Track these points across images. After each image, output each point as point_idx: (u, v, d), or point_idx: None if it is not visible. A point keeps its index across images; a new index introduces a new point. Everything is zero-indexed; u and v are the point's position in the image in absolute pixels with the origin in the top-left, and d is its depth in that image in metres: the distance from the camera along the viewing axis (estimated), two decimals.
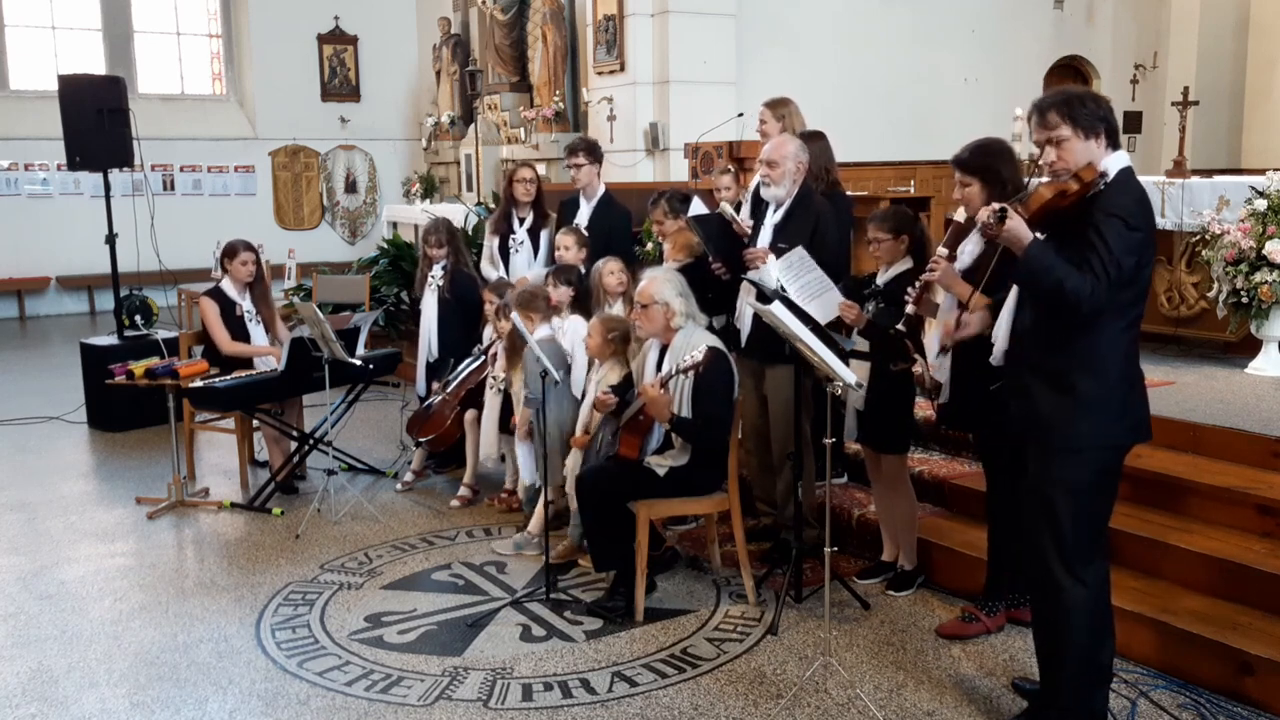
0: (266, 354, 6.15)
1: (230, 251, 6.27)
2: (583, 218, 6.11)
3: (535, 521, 5.12)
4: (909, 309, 3.79)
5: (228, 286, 6.28)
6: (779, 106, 5.43)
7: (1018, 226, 3.00)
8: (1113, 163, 3.07)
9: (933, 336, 4.02)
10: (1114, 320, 3.06)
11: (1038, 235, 3.05)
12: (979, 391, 3.66)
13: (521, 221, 6.35)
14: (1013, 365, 3.34)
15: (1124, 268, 2.96)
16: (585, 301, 5.45)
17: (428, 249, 6.27)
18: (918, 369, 4.28)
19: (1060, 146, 3.07)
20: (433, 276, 6.23)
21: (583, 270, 5.88)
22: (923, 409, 5.36)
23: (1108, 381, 3.08)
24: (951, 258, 3.68)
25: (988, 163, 3.69)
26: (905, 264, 4.35)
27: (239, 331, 6.21)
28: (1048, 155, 3.10)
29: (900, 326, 3.84)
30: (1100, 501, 3.21)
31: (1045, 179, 3.13)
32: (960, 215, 3.77)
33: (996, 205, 3.04)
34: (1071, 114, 3.05)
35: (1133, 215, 2.99)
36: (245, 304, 6.26)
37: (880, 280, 4.41)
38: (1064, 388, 3.11)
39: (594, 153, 6.15)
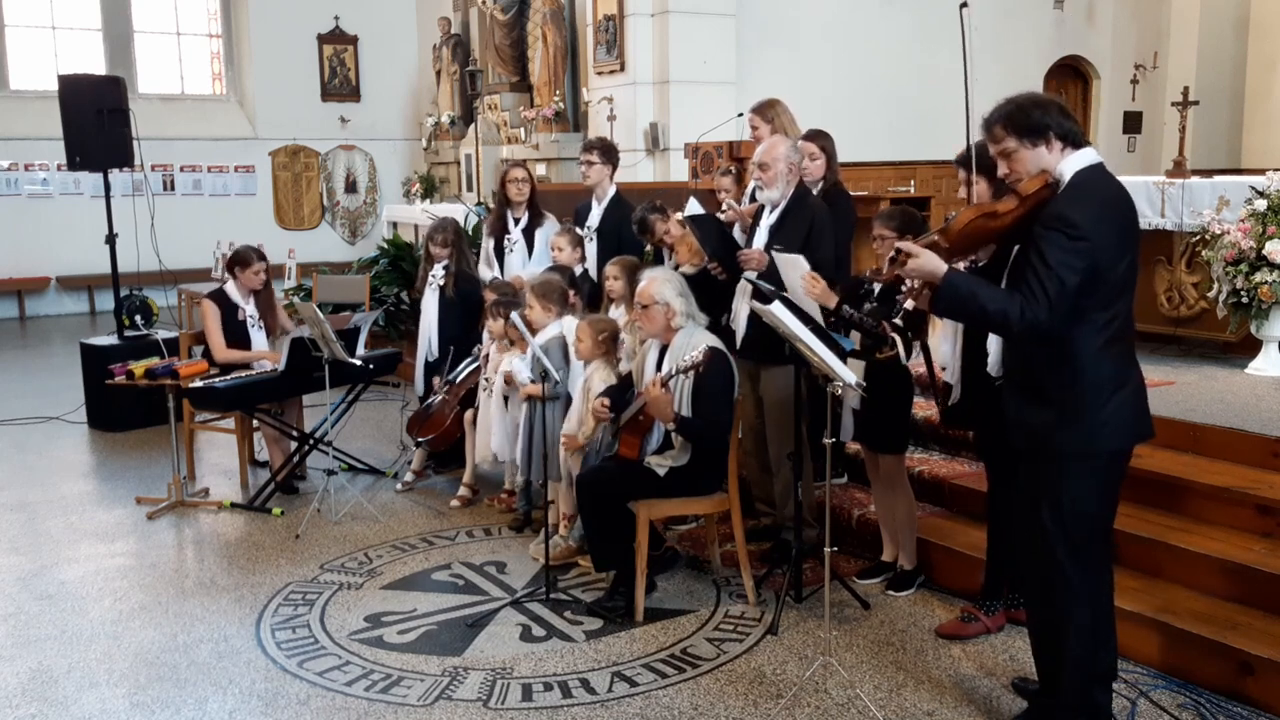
0: (263, 357, 6.14)
1: (244, 261, 6.21)
2: (594, 219, 6.10)
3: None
4: (908, 304, 3.78)
5: (232, 290, 6.25)
6: (767, 109, 5.44)
7: (925, 262, 2.96)
8: (1070, 165, 3.00)
9: (940, 337, 4.01)
10: (1080, 326, 2.98)
11: (955, 265, 3.02)
12: (984, 390, 3.65)
13: (516, 222, 6.35)
14: (1005, 373, 3.34)
15: (1066, 282, 2.87)
16: (596, 302, 5.48)
17: (432, 247, 6.25)
18: (920, 368, 4.27)
19: (1010, 159, 3.04)
20: (433, 276, 6.23)
21: (582, 270, 5.90)
22: (921, 409, 5.36)
23: (1082, 388, 3.01)
24: None
25: (982, 163, 3.68)
26: None
27: (240, 335, 6.19)
28: (1001, 169, 3.09)
29: (897, 320, 3.84)
30: (1095, 506, 3.15)
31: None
32: None
33: (894, 248, 3.01)
34: (1014, 125, 3.02)
35: (1074, 225, 2.88)
36: (249, 309, 6.24)
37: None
38: (1039, 397, 3.09)
39: (609, 154, 6.14)
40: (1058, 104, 3.09)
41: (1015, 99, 3.10)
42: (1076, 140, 3.05)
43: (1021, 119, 3.02)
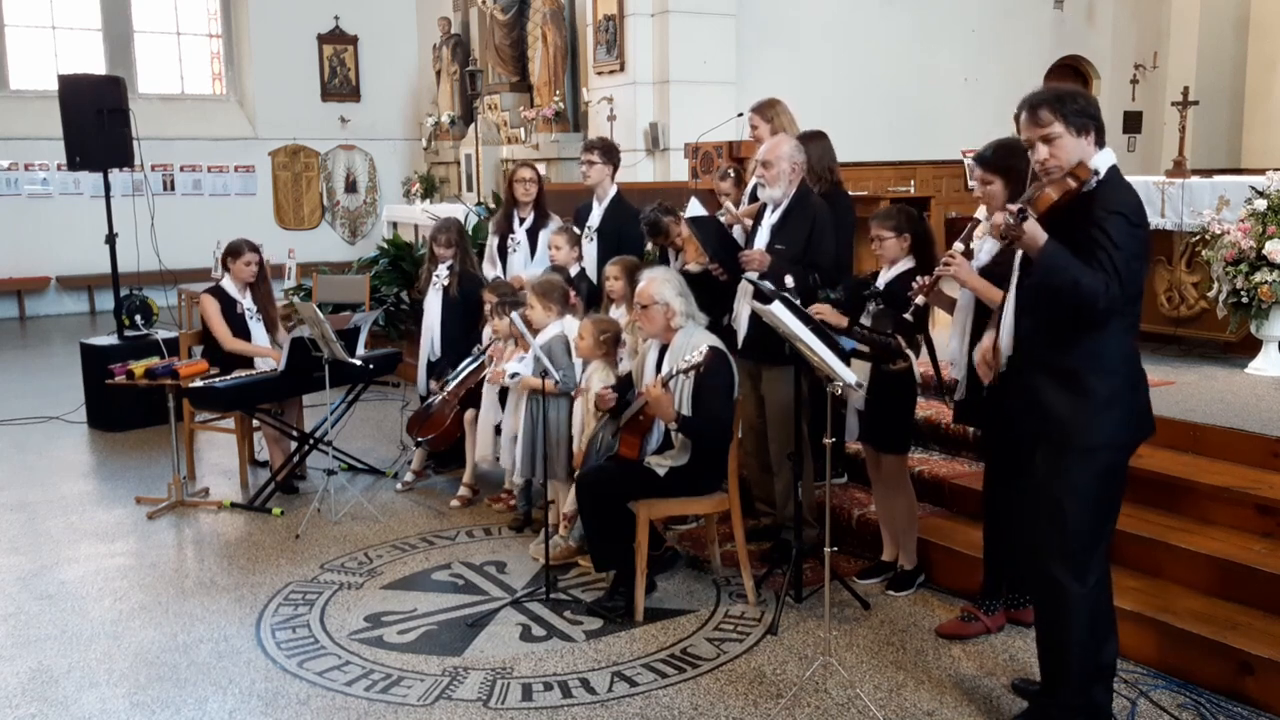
0: (266, 354, 6.15)
1: (235, 251, 6.26)
2: (594, 219, 6.09)
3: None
4: (918, 300, 3.79)
5: (228, 285, 6.28)
6: (767, 109, 5.42)
7: (1035, 227, 3.00)
8: (1102, 161, 3.08)
9: (950, 335, 4.01)
10: (1118, 319, 3.07)
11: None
12: (993, 386, 3.64)
13: (521, 221, 6.34)
14: (1017, 368, 3.34)
15: (1131, 264, 2.97)
16: (596, 302, 5.48)
17: (436, 248, 6.25)
18: (925, 368, 4.27)
19: (1053, 144, 3.06)
20: (437, 276, 6.22)
21: (579, 269, 5.89)
22: (922, 409, 5.36)
23: (1116, 380, 3.10)
24: (967, 254, 3.67)
25: (1011, 162, 3.67)
26: (907, 263, 4.35)
27: (240, 329, 6.21)
28: (1040, 153, 3.10)
29: (908, 316, 3.83)
30: (1107, 501, 3.20)
31: (1044, 179, 3.13)
32: (982, 214, 3.77)
33: (1015, 206, 3.03)
34: (1063, 111, 3.04)
35: (1134, 212, 3.00)
36: (246, 302, 6.26)
37: (881, 280, 4.40)
38: (1076, 388, 3.10)
39: (610, 154, 6.11)
40: (1096, 100, 3.16)
41: (1061, 86, 3.16)
42: (1103, 139, 3.12)
43: (1071, 105, 3.06)
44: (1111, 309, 3.00)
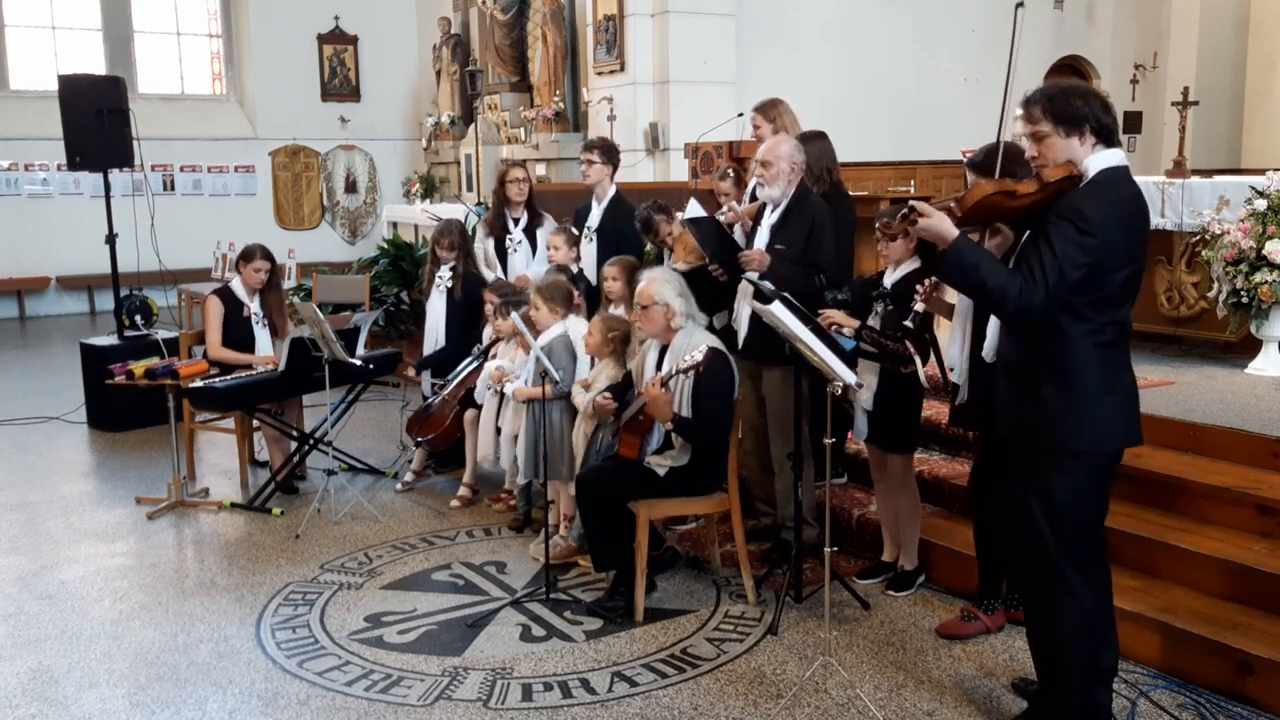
0: (255, 362, 6.08)
1: (247, 255, 6.20)
2: (594, 219, 6.09)
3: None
4: (919, 306, 3.78)
5: (237, 287, 6.23)
6: (769, 109, 5.42)
7: (936, 223, 2.94)
8: (1096, 162, 2.99)
9: (949, 341, 4.01)
10: (1075, 324, 2.98)
11: (976, 232, 3.02)
12: (990, 391, 3.64)
13: (516, 222, 6.36)
14: (999, 365, 3.33)
15: (1066, 274, 2.88)
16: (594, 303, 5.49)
17: (439, 250, 6.25)
18: (930, 369, 4.27)
19: (1041, 143, 3.02)
20: (440, 278, 6.22)
21: (577, 269, 5.89)
22: (924, 409, 5.36)
23: (1075, 388, 3.01)
24: None
25: (1002, 165, 3.67)
26: (913, 264, 4.33)
27: (244, 332, 6.16)
28: (1030, 150, 3.07)
29: (909, 324, 3.84)
30: (1083, 505, 3.14)
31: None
32: None
33: (912, 203, 2.99)
34: (1054, 110, 2.99)
35: (1086, 219, 2.88)
36: (253, 306, 6.23)
37: (888, 280, 4.39)
38: (1031, 392, 3.07)
39: (609, 154, 6.12)
40: (1102, 98, 3.07)
41: (1062, 84, 3.08)
42: (1110, 138, 3.03)
43: (1062, 105, 2.99)
44: (1027, 313, 2.93)
